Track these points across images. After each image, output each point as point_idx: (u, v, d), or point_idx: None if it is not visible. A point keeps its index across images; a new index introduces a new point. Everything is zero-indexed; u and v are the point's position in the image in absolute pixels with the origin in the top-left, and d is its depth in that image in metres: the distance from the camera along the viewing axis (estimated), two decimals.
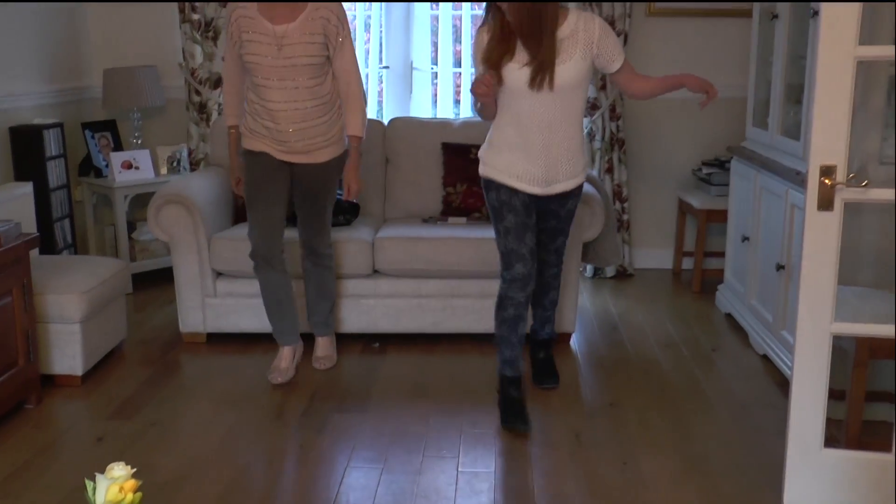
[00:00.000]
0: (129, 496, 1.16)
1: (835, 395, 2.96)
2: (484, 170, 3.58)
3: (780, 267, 4.03)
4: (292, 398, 3.82)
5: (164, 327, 4.71)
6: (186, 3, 5.47)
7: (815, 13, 3.88)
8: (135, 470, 1.19)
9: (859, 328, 2.88)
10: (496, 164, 3.52)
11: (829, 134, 2.64)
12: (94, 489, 1.18)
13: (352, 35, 3.84)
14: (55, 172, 4.99)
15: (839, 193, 2.67)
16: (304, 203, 3.97)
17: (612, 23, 5.35)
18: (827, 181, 2.65)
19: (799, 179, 3.85)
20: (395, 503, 2.97)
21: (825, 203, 2.67)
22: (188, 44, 5.52)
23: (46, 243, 4.89)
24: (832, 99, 2.62)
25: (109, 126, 5.57)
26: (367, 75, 5.87)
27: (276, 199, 3.89)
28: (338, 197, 4.50)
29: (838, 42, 2.60)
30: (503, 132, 3.49)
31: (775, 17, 4.41)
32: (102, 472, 1.26)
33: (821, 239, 2.70)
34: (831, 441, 2.90)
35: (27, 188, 4.59)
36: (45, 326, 3.87)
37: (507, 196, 3.52)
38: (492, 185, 3.56)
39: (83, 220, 5.50)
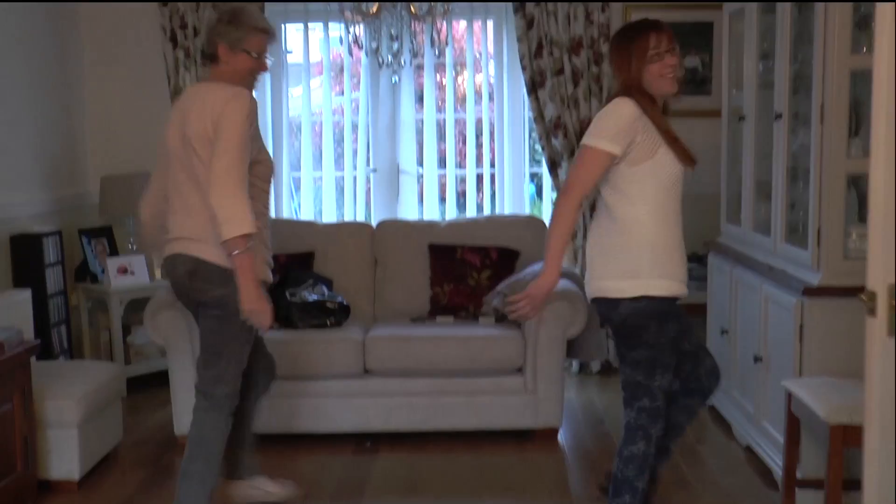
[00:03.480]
0: None
1: None
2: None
3: (757, 359, 4.16)
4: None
5: (158, 429, 4.78)
6: None
7: (779, 116, 4.11)
8: None
9: None
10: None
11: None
12: None
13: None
14: (53, 279, 5.12)
15: None
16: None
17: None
18: None
19: (771, 274, 4.02)
20: None
21: None
22: None
23: (44, 349, 4.98)
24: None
25: (105, 232, 5.72)
26: (354, 177, 6.08)
27: None
28: (317, 298, 4.67)
29: None
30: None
31: (742, 118, 4.64)
32: None
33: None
34: None
35: (26, 295, 4.71)
36: (43, 431, 3.94)
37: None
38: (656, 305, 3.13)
39: (78, 324, 5.61)
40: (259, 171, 3.37)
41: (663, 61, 3.06)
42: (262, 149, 3.42)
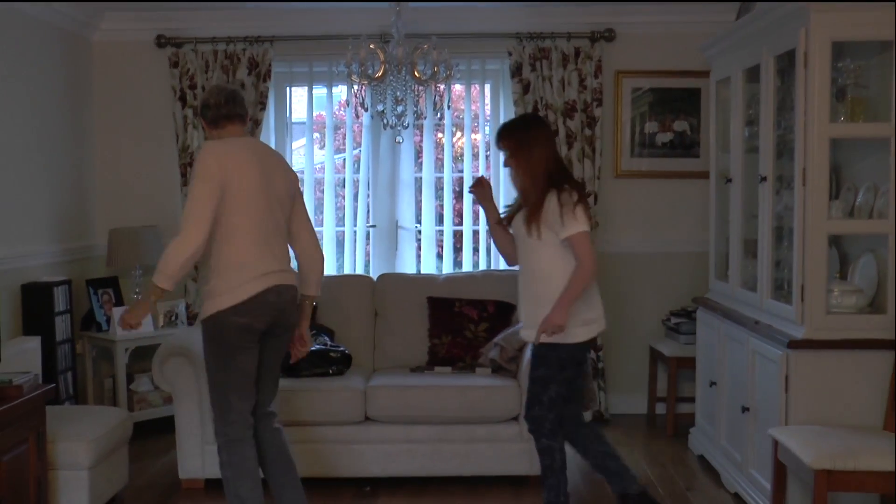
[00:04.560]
0: None
1: None
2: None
3: (745, 409, 4.33)
4: None
5: (162, 474, 4.89)
6: (188, 169, 5.91)
7: (764, 178, 4.34)
8: None
9: None
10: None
11: None
12: None
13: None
14: (61, 327, 5.27)
15: None
16: None
17: (581, 182, 5.81)
18: None
19: (758, 328, 4.20)
20: None
21: None
22: None
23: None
24: None
25: (111, 283, 5.88)
26: (354, 233, 6.27)
27: None
28: (320, 348, 4.82)
29: None
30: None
31: (729, 180, 4.87)
32: None
33: None
34: None
35: (35, 342, 4.86)
36: (55, 473, 4.05)
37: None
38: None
39: (83, 372, 5.73)
40: None
41: None
42: None
